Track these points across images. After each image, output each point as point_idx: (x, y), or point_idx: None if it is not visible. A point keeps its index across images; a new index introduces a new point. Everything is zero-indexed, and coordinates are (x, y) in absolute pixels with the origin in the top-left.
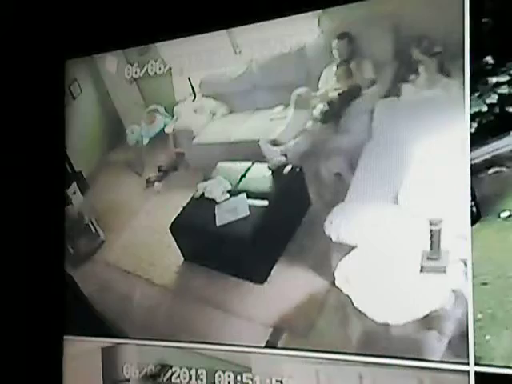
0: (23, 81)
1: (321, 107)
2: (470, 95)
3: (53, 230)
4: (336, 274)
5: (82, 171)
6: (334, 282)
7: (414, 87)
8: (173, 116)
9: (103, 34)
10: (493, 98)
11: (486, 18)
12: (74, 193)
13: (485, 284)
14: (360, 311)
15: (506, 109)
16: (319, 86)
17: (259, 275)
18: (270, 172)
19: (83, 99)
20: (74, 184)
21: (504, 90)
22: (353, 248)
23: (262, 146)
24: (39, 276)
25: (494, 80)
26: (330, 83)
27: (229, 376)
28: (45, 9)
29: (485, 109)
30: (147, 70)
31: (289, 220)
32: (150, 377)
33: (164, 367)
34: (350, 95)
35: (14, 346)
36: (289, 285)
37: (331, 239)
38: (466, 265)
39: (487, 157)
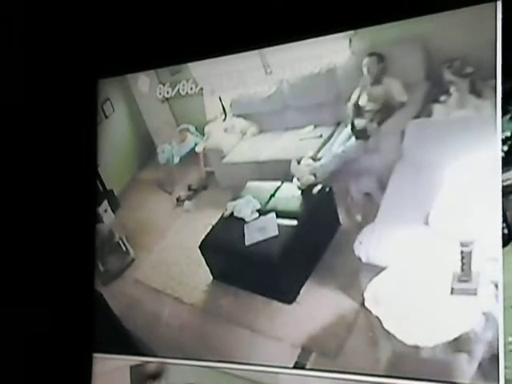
0: (57, 100)
1: (351, 127)
2: (502, 117)
3: (84, 247)
4: (366, 295)
5: (113, 189)
6: (363, 303)
7: (445, 108)
8: (203, 135)
9: (136, 54)
10: None
11: None
12: (105, 211)
13: None
14: (389, 333)
15: None
16: (349, 105)
17: (288, 295)
18: (300, 191)
19: (115, 118)
20: (106, 202)
21: None
22: (383, 269)
23: (292, 165)
24: (69, 293)
25: None
26: (360, 103)
27: None
28: (78, 29)
29: None
30: (179, 89)
31: (318, 240)
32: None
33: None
34: (380, 115)
35: (43, 364)
36: (318, 305)
37: (361, 260)
38: (496, 287)
39: None
